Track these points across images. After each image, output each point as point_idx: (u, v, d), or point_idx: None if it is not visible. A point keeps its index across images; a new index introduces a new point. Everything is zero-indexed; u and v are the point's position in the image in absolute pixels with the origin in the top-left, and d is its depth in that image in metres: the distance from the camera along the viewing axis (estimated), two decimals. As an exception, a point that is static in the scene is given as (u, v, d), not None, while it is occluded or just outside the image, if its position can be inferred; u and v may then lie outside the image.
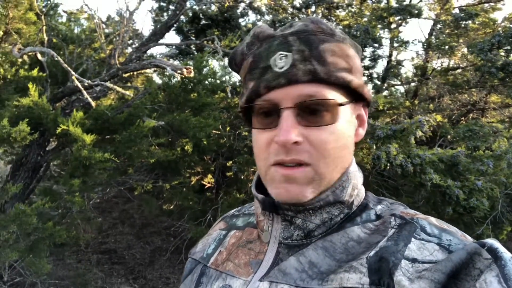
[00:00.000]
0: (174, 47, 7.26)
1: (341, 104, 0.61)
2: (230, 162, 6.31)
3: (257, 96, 0.62)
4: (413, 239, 0.55)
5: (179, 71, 3.18)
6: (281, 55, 0.60)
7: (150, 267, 5.87)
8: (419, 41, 7.07)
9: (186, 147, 4.76)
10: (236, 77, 6.70)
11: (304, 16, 8.56)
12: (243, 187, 5.23)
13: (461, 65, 7.38)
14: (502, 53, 5.97)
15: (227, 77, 5.31)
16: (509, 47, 5.85)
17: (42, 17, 3.88)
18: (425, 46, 7.06)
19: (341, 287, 0.55)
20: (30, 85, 3.53)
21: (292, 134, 0.58)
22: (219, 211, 5.63)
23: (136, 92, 4.61)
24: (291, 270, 0.60)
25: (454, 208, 4.12)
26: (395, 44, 7.17)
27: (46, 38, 3.83)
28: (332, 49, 0.60)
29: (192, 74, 3.26)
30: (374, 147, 4.08)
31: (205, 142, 4.51)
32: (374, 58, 7.27)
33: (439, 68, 7.46)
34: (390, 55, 7.42)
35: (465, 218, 4.28)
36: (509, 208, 4.49)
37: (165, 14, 8.30)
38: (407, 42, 6.95)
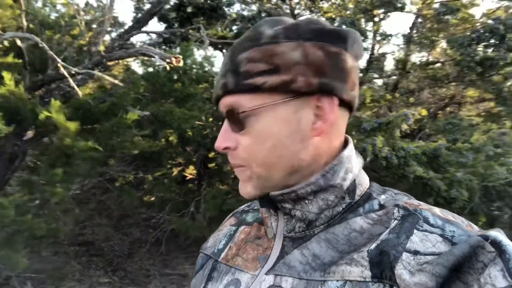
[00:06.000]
0: (156, 35, 7.08)
1: (243, 112, 0.61)
2: (213, 153, 6.26)
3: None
4: (415, 231, 0.55)
5: (168, 60, 3.10)
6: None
7: (129, 259, 5.79)
8: (401, 35, 7.17)
9: (170, 138, 4.68)
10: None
11: (288, 6, 8.52)
12: (226, 178, 5.21)
13: (441, 60, 7.52)
14: (480, 49, 6.11)
15: (211, 67, 5.23)
16: (487, 43, 5.99)
17: (21, 1, 3.69)
18: (406, 40, 7.15)
19: (343, 279, 0.56)
20: (5, 74, 3.38)
21: (220, 142, 0.65)
22: (201, 202, 5.59)
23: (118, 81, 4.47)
24: (295, 263, 0.62)
25: (435, 199, 4.23)
26: (378, 38, 7.23)
27: (25, 23, 3.64)
28: (249, 57, 0.61)
29: (181, 64, 3.18)
30: (355, 140, 4.13)
31: (189, 134, 4.45)
32: (359, 51, 7.28)
33: (419, 62, 7.59)
34: (373, 48, 7.48)
35: (445, 209, 4.39)
36: (484, 199, 4.64)
37: (145, 1, 8.10)
38: (390, 35, 7.03)
